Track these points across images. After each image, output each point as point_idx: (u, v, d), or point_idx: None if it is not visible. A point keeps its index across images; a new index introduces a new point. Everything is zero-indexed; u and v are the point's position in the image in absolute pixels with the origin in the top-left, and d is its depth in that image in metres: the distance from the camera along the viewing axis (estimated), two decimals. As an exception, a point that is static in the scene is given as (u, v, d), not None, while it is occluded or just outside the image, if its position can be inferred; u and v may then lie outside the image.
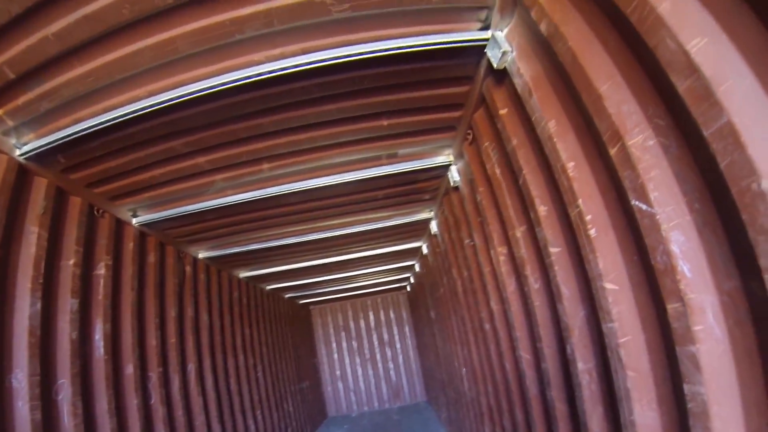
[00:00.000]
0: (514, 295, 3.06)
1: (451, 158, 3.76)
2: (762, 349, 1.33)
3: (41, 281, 2.78)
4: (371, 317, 12.11)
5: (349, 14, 2.19)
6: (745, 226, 1.22)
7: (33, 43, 2.08)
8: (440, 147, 3.68)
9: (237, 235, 4.93)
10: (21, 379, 2.60)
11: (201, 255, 5.35)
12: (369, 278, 9.29)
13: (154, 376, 3.93)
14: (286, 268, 6.76)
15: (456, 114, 3.16)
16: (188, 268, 5.01)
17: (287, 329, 9.30)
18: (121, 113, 2.52)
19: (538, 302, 2.64)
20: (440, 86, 2.83)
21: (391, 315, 12.02)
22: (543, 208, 2.33)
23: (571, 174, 1.96)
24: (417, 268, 8.14)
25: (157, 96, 2.46)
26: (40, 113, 2.49)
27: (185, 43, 2.19)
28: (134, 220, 3.92)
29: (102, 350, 3.29)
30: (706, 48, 1.25)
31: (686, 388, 1.48)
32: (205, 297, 5.35)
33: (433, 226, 5.46)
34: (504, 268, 3.11)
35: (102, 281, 3.43)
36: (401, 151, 3.66)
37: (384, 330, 12.01)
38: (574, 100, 1.89)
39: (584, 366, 2.18)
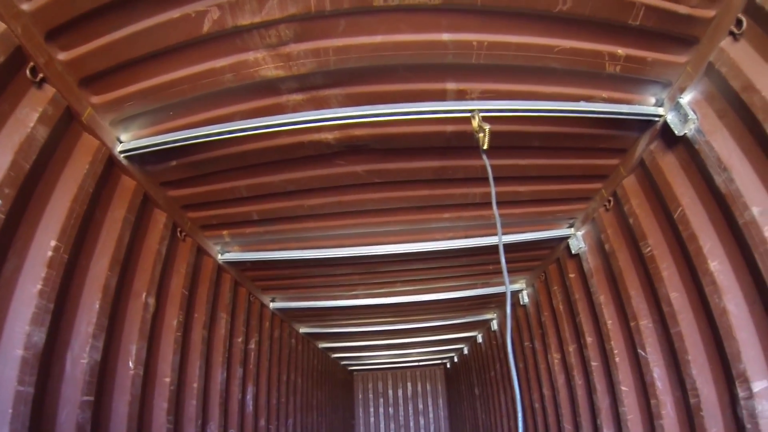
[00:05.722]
0: (563, 386, 4.79)
1: (524, 285, 5.63)
2: None
3: (227, 356, 4.26)
4: (409, 388, 13.56)
5: None
6: None
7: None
8: (517, 279, 5.57)
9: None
10: (214, 429, 3.93)
11: (302, 330, 7.26)
12: (415, 348, 9.97)
13: (273, 428, 5.66)
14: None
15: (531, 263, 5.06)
16: (293, 341, 6.94)
17: (338, 391, 11.00)
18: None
19: (580, 393, 4.38)
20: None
21: (428, 387, 13.46)
22: (590, 339, 4.13)
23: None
24: (465, 351, 9.80)
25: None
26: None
27: None
28: (272, 305, 5.73)
29: (251, 408, 4.92)
30: None
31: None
32: (301, 363, 7.23)
33: (493, 325, 7.24)
34: (557, 368, 4.86)
35: (253, 354, 5.01)
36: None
37: (419, 401, 13.41)
38: None
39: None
